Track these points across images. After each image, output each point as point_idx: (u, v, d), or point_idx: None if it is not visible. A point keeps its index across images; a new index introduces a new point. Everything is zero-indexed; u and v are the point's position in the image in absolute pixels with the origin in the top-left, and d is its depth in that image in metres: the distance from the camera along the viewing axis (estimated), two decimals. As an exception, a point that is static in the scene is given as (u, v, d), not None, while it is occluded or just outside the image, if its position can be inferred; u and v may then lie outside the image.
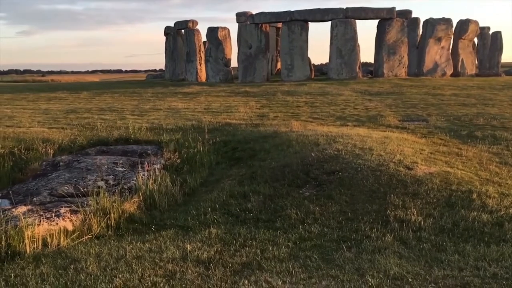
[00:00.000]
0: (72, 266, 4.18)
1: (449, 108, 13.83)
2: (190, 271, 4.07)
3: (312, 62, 27.70)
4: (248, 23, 26.84)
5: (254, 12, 27.34)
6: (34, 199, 6.11)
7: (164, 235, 5.04)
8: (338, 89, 19.58)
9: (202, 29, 28.80)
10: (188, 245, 4.65)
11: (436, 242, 4.68)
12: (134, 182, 6.80)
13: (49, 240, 4.75)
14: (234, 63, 29.01)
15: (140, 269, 4.10)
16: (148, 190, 6.29)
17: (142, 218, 5.71)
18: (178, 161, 8.18)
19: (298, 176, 6.62)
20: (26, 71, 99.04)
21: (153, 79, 35.90)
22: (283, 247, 4.65)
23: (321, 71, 31.30)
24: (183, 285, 3.81)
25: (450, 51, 26.63)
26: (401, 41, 25.04)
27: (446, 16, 26.29)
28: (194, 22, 29.47)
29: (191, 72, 29.15)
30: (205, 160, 8.26)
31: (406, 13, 27.07)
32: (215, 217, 5.57)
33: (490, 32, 33.45)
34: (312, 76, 26.73)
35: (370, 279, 3.83)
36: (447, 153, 8.03)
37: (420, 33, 27.02)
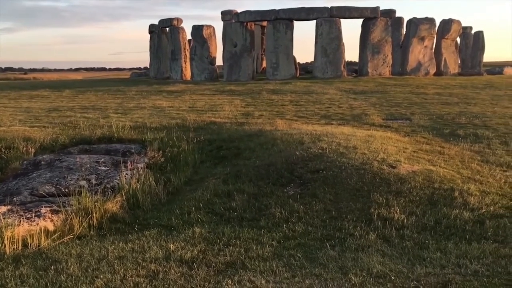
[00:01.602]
0: (52, 267, 4.12)
1: (432, 107, 13.98)
2: (173, 271, 4.04)
3: (297, 61, 27.77)
4: (233, 21, 26.78)
5: (239, 11, 27.29)
6: (14, 199, 6.00)
7: (147, 234, 4.99)
8: (323, 87, 19.65)
9: (187, 27, 28.70)
10: (172, 245, 4.61)
11: (419, 240, 4.72)
12: (117, 181, 6.72)
13: (29, 240, 4.67)
14: (219, 61, 28.95)
15: (122, 270, 4.05)
16: (131, 190, 6.23)
17: (125, 217, 5.65)
18: (162, 160, 8.11)
19: (282, 175, 6.61)
20: (7, 69, 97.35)
21: (137, 77, 35.59)
22: (267, 246, 4.64)
23: (306, 70, 31.41)
24: (166, 285, 3.77)
25: (433, 50, 26.91)
26: (385, 40, 25.23)
27: (429, 16, 26.59)
28: (179, 20, 29.30)
29: (176, 71, 28.98)
30: (190, 159, 8.21)
31: (390, 13, 27.27)
32: (199, 216, 5.54)
33: (473, 31, 33.95)
34: (297, 75, 26.80)
35: (353, 278, 3.84)
36: (430, 152, 8.10)
37: (404, 32, 27.25)
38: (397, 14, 27.78)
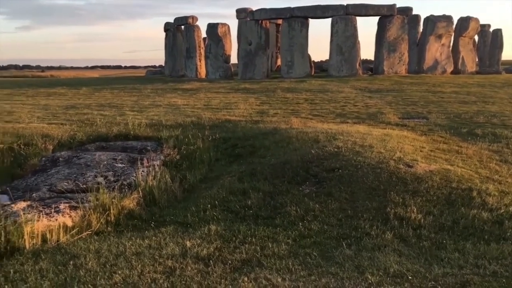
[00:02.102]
0: (71, 262, 4.18)
1: (449, 105, 13.82)
2: (189, 267, 4.06)
3: (312, 59, 27.67)
4: (248, 19, 26.77)
5: (254, 9, 27.27)
6: (34, 194, 6.09)
7: (163, 231, 5.03)
8: (338, 86, 19.55)
9: (202, 25, 28.78)
10: (188, 242, 4.64)
11: (436, 240, 4.68)
12: (134, 178, 6.79)
13: (48, 236, 4.74)
14: (234, 59, 28.99)
15: (139, 266, 4.09)
16: (147, 187, 6.28)
17: (142, 214, 5.70)
18: (178, 157, 8.17)
19: (298, 173, 6.61)
20: (25, 67, 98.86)
21: (152, 75, 35.82)
22: (283, 244, 4.64)
23: (321, 68, 31.27)
24: (183, 282, 3.80)
25: (450, 48, 26.60)
26: (401, 38, 24.99)
27: (447, 14, 26.27)
28: (194, 18, 29.39)
29: (190, 69, 29.10)
30: (205, 156, 8.25)
31: (406, 10, 27.01)
32: (214, 213, 5.56)
33: (491, 29, 33.40)
34: (312, 73, 26.71)
35: (370, 277, 3.83)
36: (447, 151, 8.02)
37: (421, 30, 26.97)
38: (414, 12, 27.53)
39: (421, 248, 4.50)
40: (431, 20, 25.66)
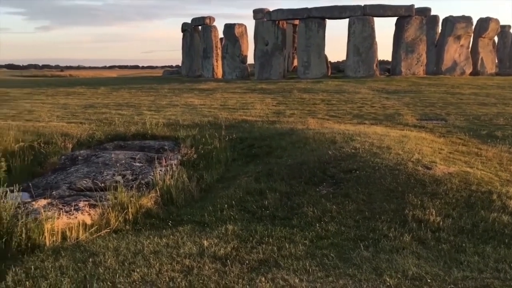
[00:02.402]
0: (90, 259, 4.23)
1: (468, 107, 13.63)
2: (207, 267, 4.09)
3: (328, 60, 27.56)
4: (265, 20, 26.79)
5: (271, 9, 27.27)
6: (54, 192, 6.19)
7: (181, 230, 5.06)
8: (355, 87, 19.44)
9: (219, 26, 28.90)
10: (205, 241, 4.67)
11: (455, 243, 4.63)
12: (151, 177, 6.84)
13: (68, 233, 4.81)
14: (250, 60, 29.02)
15: (157, 264, 4.13)
16: (165, 186, 6.33)
17: (159, 213, 5.75)
18: (195, 157, 8.21)
19: (315, 174, 6.59)
20: (45, 66, 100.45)
21: (169, 75, 36.07)
22: (300, 245, 4.64)
23: (337, 69, 31.14)
24: (200, 281, 3.82)
25: (469, 49, 26.25)
26: (419, 39, 24.74)
27: (466, 14, 25.93)
28: (211, 19, 29.52)
29: (207, 69, 29.23)
30: (222, 156, 8.28)
31: (425, 11, 26.72)
32: (231, 213, 5.58)
33: (511, 30, 32.86)
34: (329, 74, 26.61)
35: (388, 279, 3.80)
36: (467, 153, 7.91)
37: (439, 31, 26.67)
38: (433, 13, 27.23)
39: (440, 251, 4.45)
40: (450, 21, 25.36)
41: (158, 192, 6.18)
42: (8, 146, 8.57)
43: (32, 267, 4.09)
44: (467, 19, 25.50)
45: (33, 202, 5.57)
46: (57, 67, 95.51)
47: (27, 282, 3.81)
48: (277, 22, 25.93)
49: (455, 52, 25.66)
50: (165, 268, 4.05)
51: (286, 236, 4.87)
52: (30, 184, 6.62)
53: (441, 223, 5.02)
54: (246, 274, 3.97)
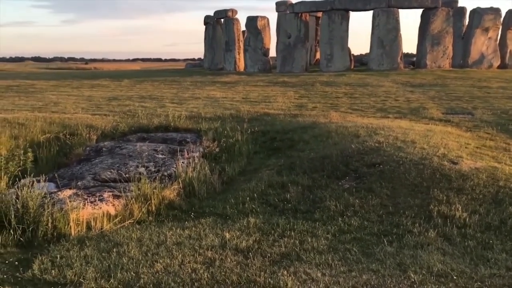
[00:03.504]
0: (115, 249, 4.29)
1: (496, 101, 13.30)
2: (229, 259, 4.09)
3: (351, 52, 27.23)
4: (288, 12, 26.60)
5: (294, 1, 27.05)
6: (79, 183, 6.29)
7: (203, 222, 5.08)
8: (378, 80, 19.17)
9: (242, 18, 28.79)
10: (227, 234, 4.68)
11: (482, 239, 4.52)
12: (174, 169, 6.89)
13: (92, 223, 4.89)
14: (272, 52, 28.90)
15: (180, 255, 4.16)
16: (187, 178, 6.36)
17: (182, 205, 5.79)
18: (217, 149, 8.23)
19: (337, 167, 6.52)
20: (70, 59, 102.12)
21: (192, 68, 36.22)
22: (322, 239, 4.60)
23: (361, 62, 30.73)
24: (223, 273, 3.83)
25: (497, 42, 25.56)
26: (445, 31, 24.21)
27: (495, 6, 25.23)
28: (234, 11, 29.46)
29: (229, 61, 29.23)
30: (244, 149, 8.27)
31: (451, 2, 26.10)
32: (253, 206, 5.57)
33: (542, 22, 31.84)
34: (352, 67, 26.30)
35: (412, 275, 3.74)
36: (494, 148, 7.72)
37: (466, 23, 26.03)
38: (459, 4, 26.59)
39: (466, 248, 4.36)
40: (478, 13, 24.73)
41: (181, 184, 6.22)
42: (35, 137, 8.74)
43: (58, 256, 4.17)
44: (495, 11, 24.83)
45: (59, 192, 5.67)
46: (82, 59, 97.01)
47: (52, 271, 3.88)
48: (299, 14, 25.72)
49: (482, 44, 25.04)
50: (188, 260, 4.07)
51: (308, 230, 4.84)
52: (56, 175, 6.74)
53: (467, 219, 4.91)
54: (268, 267, 3.97)
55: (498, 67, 25.26)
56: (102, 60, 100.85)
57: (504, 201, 5.29)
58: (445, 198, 5.39)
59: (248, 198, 5.80)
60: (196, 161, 6.96)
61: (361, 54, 37.72)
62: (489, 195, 5.44)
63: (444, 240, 4.54)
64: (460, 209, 5.11)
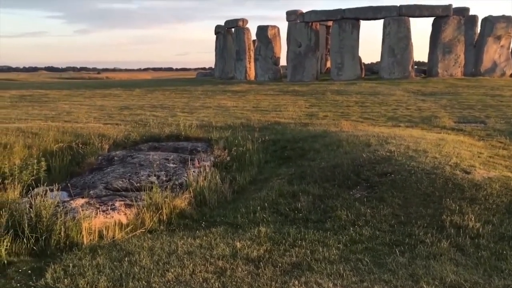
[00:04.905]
0: (126, 258, 4.31)
1: (509, 109, 13.18)
2: (240, 269, 4.09)
3: (362, 61, 27.21)
4: (298, 21, 26.71)
5: (304, 11, 27.17)
6: (91, 192, 6.34)
7: (214, 231, 5.09)
8: (389, 88, 19.12)
9: (252, 28, 28.87)
10: (238, 243, 4.68)
11: (496, 250, 4.47)
12: (185, 178, 6.91)
13: (104, 232, 4.92)
14: (283, 61, 28.98)
15: (191, 265, 4.16)
16: (198, 187, 6.38)
17: (193, 214, 5.80)
18: (228, 158, 8.24)
19: (348, 177, 6.50)
20: (82, 69, 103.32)
21: (203, 77, 36.45)
22: (334, 248, 4.58)
23: (371, 71, 30.71)
24: (234, 283, 3.83)
25: (510, 50, 25.39)
26: (457, 40, 24.12)
27: (507, 14, 25.10)
28: (244, 21, 29.65)
29: (240, 71, 29.37)
30: (254, 158, 8.28)
31: (463, 11, 26.03)
32: (264, 215, 5.57)
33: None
34: (362, 76, 26.27)
35: (425, 286, 3.70)
36: (507, 157, 7.64)
37: (478, 31, 25.92)
38: (471, 12, 26.50)
39: (479, 258, 4.30)
40: (490, 21, 24.61)
41: (192, 193, 6.24)
42: (48, 146, 8.83)
43: (70, 264, 4.20)
44: (507, 19, 24.69)
45: (72, 201, 5.72)
46: (94, 69, 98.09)
47: (65, 280, 3.91)
48: (310, 23, 25.81)
49: (494, 52, 24.89)
50: (199, 269, 4.08)
51: (319, 239, 4.82)
52: (68, 184, 6.80)
53: (480, 229, 4.86)
54: (279, 277, 3.96)
55: (511, 75, 25.04)
56: (114, 70, 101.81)
57: (518, 211, 5.22)
58: (457, 208, 5.34)
59: (259, 207, 5.79)
60: (207, 170, 6.98)
61: (372, 63, 37.67)
62: (503, 205, 5.38)
63: (457, 250, 4.49)
64: (473, 219, 5.06)
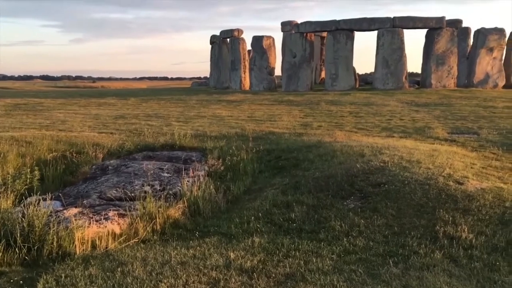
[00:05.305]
0: (119, 269, 4.28)
1: (502, 121, 13.29)
2: (233, 279, 4.07)
3: (356, 72, 27.40)
4: (293, 32, 26.90)
5: (299, 21, 27.37)
6: (84, 201, 6.30)
7: (207, 242, 5.07)
8: (383, 99, 19.24)
9: (247, 38, 29.11)
10: (232, 253, 4.66)
11: (489, 261, 4.48)
12: (179, 188, 6.90)
13: (97, 242, 4.89)
14: (278, 71, 29.15)
15: (184, 275, 4.14)
16: (192, 197, 6.37)
17: (186, 224, 5.78)
18: (222, 168, 8.24)
19: (342, 187, 6.52)
20: (77, 77, 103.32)
21: (198, 87, 36.52)
22: (327, 259, 4.58)
23: (365, 81, 30.91)
24: (227, 293, 3.81)
25: (502, 62, 25.67)
26: (450, 51, 24.37)
27: (499, 26, 25.41)
28: (240, 31, 29.82)
29: (235, 80, 29.47)
30: (249, 168, 8.29)
31: (456, 23, 26.33)
32: (258, 226, 5.56)
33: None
34: (357, 86, 26.43)
35: (418, 297, 3.70)
36: (500, 168, 7.69)
37: (471, 43, 26.21)
38: (464, 25, 26.79)
39: (472, 269, 4.31)
40: (482, 33, 24.90)
41: (186, 203, 6.22)
42: (41, 155, 8.80)
43: (63, 275, 4.16)
44: (499, 31, 25.00)
45: (65, 211, 5.69)
46: (89, 78, 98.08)
47: (57, 290, 3.88)
48: (305, 34, 25.99)
49: (487, 64, 25.14)
50: (192, 280, 4.06)
51: (313, 250, 4.82)
52: (61, 193, 6.77)
53: (473, 240, 4.88)
54: (272, 287, 3.94)
55: (503, 87, 25.31)
56: (110, 79, 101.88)
57: (511, 222, 5.25)
58: (451, 219, 5.35)
59: (252, 218, 5.78)
60: (201, 180, 6.98)
61: (366, 73, 37.90)
62: (495, 216, 5.41)
63: (450, 261, 4.50)
64: (466, 230, 5.07)
